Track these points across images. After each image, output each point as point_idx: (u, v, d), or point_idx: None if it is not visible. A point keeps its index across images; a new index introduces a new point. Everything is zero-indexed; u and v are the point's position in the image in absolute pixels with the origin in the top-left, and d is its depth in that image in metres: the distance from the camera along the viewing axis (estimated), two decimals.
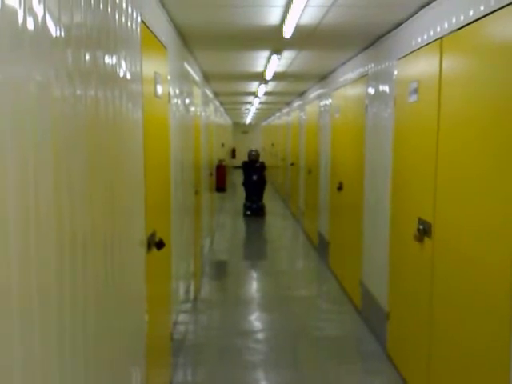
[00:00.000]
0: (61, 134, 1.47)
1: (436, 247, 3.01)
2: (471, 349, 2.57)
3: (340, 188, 5.89)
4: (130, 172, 2.30)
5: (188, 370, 3.86)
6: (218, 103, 11.38)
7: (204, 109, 6.85)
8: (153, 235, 2.63)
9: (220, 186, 10.57)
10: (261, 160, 11.95)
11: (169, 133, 3.45)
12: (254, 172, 11.48)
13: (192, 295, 5.10)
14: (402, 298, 3.74)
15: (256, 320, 4.97)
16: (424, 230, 3.14)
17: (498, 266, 2.31)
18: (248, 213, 11.31)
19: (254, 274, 6.78)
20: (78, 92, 1.60)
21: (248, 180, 11.62)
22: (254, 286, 6.22)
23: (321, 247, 7.37)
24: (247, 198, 11.60)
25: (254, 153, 11.67)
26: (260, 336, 4.53)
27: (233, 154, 21.81)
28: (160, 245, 2.64)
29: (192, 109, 5.10)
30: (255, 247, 8.56)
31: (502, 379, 2.23)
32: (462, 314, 2.67)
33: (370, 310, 4.59)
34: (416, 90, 3.35)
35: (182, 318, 4.23)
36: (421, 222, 3.20)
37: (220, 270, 6.99)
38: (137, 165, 2.45)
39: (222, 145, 12.91)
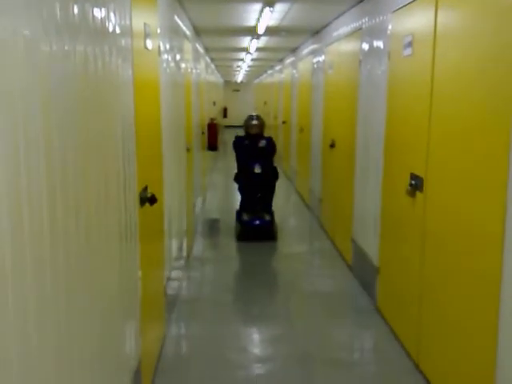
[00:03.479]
0: (50, 90, 1.43)
1: (428, 201, 3.03)
2: (461, 302, 2.62)
3: (332, 145, 5.86)
4: (120, 127, 2.26)
5: (181, 323, 3.92)
6: (209, 60, 11.18)
7: (195, 65, 6.73)
8: (145, 190, 2.62)
9: (212, 144, 10.50)
10: (267, 135, 6.53)
11: (159, 89, 3.39)
12: (256, 158, 6.17)
13: (185, 252, 5.14)
14: (392, 253, 3.78)
15: (248, 276, 5.03)
16: (416, 185, 3.15)
17: (489, 221, 2.33)
18: (244, 235, 6.09)
19: None
20: (67, 47, 1.56)
21: (245, 174, 6.22)
22: (246, 244, 6.26)
23: (313, 205, 7.41)
24: (244, 207, 6.32)
25: (254, 121, 6.34)
26: (251, 291, 4.59)
27: (224, 113, 21.60)
28: (152, 200, 2.63)
29: (183, 65, 5.00)
30: None
31: (490, 332, 2.29)
32: (453, 268, 2.71)
33: (361, 266, 4.65)
34: (410, 44, 3.30)
35: (175, 274, 4.27)
36: (413, 176, 3.21)
37: (212, 228, 7.03)
38: (127, 120, 2.41)
39: (214, 103, 12.76)
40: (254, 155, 6.18)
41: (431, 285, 3.01)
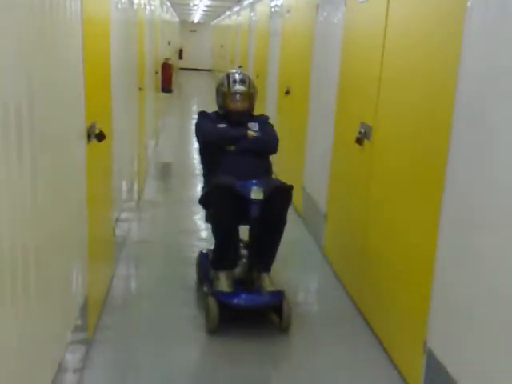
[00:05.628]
0: None
1: (375, 149, 3.10)
2: (401, 250, 2.74)
3: (287, 92, 5.84)
4: (68, 61, 2.18)
5: (131, 263, 3.95)
6: None
7: (149, 1, 6.46)
8: (93, 126, 2.57)
9: (166, 86, 10.28)
10: (259, 113, 3.57)
11: (109, 24, 3.25)
12: (248, 164, 3.11)
13: (136, 195, 5.11)
14: (339, 201, 3.89)
15: (200, 219, 5.06)
16: (365, 133, 3.22)
17: (431, 166, 2.41)
18: (223, 321, 2.89)
19: (199, 177, 6.81)
20: None
21: (226, 200, 2.90)
22: (198, 188, 6.27)
23: None
24: (220, 262, 3.12)
25: (240, 87, 3.24)
26: (203, 234, 4.64)
27: (180, 54, 20.99)
28: (100, 136, 2.58)
29: (135, 0, 4.80)
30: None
31: (426, 271, 2.42)
32: (395, 213, 2.82)
33: (310, 213, 4.76)
34: None
35: (124, 215, 4.26)
36: (363, 125, 3.26)
37: (164, 171, 6.98)
38: (75, 54, 2.33)
39: (169, 43, 12.37)
40: (242, 156, 3.16)
41: (374, 232, 3.13)
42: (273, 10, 7.12)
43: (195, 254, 4.15)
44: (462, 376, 2.13)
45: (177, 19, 19.31)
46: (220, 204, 2.94)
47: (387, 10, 2.93)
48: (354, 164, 3.48)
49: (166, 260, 4.02)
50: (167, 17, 12.01)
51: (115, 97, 3.48)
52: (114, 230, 3.61)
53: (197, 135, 3.41)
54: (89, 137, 2.50)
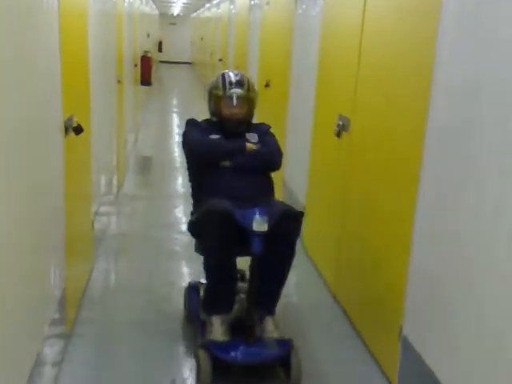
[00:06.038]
0: None
1: (353, 141, 3.13)
2: (377, 240, 2.78)
3: (267, 85, 5.84)
4: (44, 54, 2.16)
5: (110, 257, 3.93)
6: None
7: None
8: (70, 119, 2.55)
9: (145, 79, 10.20)
10: (258, 121, 3.14)
11: (87, 16, 3.22)
12: (247, 185, 2.68)
13: (115, 189, 5.08)
14: (319, 193, 3.92)
15: (180, 213, 5.05)
16: (343, 126, 3.24)
17: (406, 156, 2.44)
18: (215, 377, 2.35)
19: (179, 170, 6.79)
20: None
21: (222, 229, 2.41)
22: (178, 181, 6.26)
23: None
24: (214, 304, 2.59)
25: (238, 90, 2.74)
26: (183, 228, 4.63)
27: (159, 47, 20.83)
28: (78, 130, 2.57)
29: None
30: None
31: (402, 259, 2.46)
32: (373, 206, 2.86)
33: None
34: None
35: (103, 209, 4.23)
36: (341, 118, 3.29)
37: (144, 165, 6.94)
38: (52, 47, 2.30)
39: (148, 35, 12.27)
40: (239, 174, 2.72)
41: (352, 224, 3.16)
42: (252, 2, 7.11)
43: (176, 247, 4.16)
44: (436, 364, 2.17)
45: (156, 12, 19.14)
46: (214, 235, 2.43)
47: (365, 2, 2.95)
48: (333, 156, 3.51)
49: (145, 253, 4.01)
50: (146, 9, 11.90)
51: (93, 89, 3.46)
52: (92, 224, 3.59)
53: (184, 148, 2.87)
54: (66, 130, 2.48)
